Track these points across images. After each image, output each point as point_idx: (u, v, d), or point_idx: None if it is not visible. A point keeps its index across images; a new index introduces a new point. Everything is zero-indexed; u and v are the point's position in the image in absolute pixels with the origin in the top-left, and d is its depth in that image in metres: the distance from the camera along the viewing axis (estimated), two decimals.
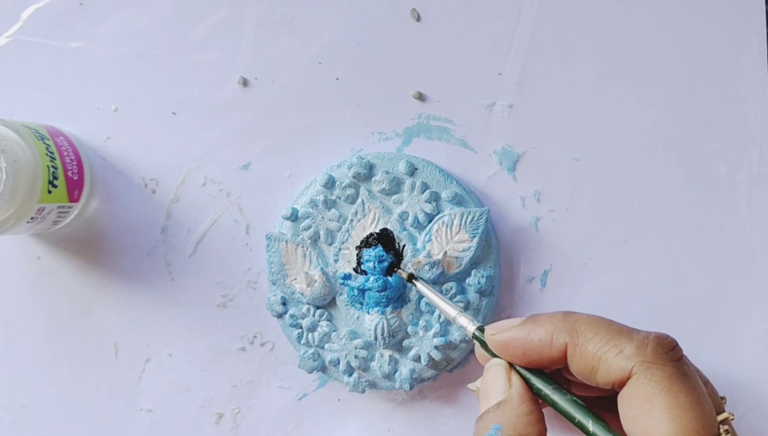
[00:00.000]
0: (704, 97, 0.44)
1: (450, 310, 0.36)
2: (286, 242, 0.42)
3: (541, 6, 0.44)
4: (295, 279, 0.42)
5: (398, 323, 0.42)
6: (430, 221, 0.42)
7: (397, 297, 0.41)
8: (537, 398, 0.32)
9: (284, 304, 0.43)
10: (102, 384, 0.45)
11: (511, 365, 0.33)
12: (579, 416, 0.31)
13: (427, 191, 0.42)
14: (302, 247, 0.42)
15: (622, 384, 0.30)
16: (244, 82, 0.44)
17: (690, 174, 0.44)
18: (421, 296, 0.42)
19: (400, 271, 0.41)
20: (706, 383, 0.33)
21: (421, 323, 0.42)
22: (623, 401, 0.30)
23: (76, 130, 0.44)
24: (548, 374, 0.33)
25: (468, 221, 0.41)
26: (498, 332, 0.33)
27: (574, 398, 0.31)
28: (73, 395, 0.45)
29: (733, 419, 0.32)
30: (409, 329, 0.42)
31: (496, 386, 0.33)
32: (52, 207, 0.40)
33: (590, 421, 0.30)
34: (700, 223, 0.44)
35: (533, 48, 0.44)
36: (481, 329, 0.34)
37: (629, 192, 0.44)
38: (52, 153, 0.40)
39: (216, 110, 0.44)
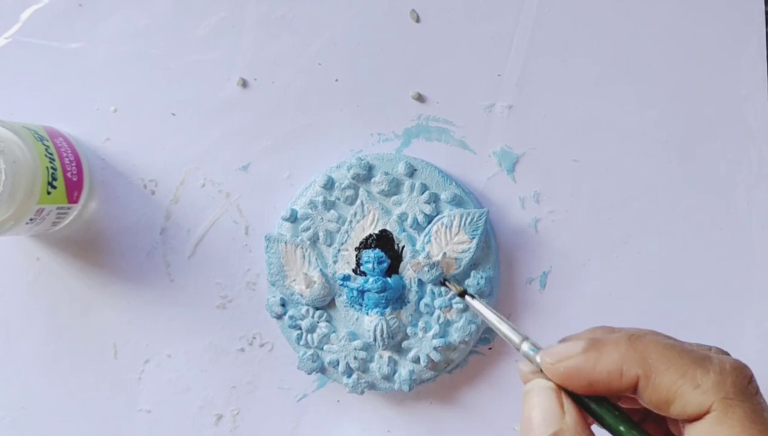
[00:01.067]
0: (704, 97, 0.44)
1: (513, 335, 0.33)
2: (286, 243, 0.42)
3: (541, 6, 0.44)
4: (294, 280, 0.42)
5: (397, 324, 0.42)
6: (429, 222, 0.42)
7: (396, 298, 0.41)
8: (589, 425, 0.30)
9: (283, 305, 0.43)
10: (102, 384, 0.45)
11: (561, 388, 0.30)
12: None
13: (427, 192, 0.42)
14: (301, 248, 0.42)
15: (697, 418, 0.28)
16: (244, 83, 0.44)
17: (690, 174, 0.44)
18: (420, 297, 0.42)
19: (448, 283, 0.41)
20: None
21: (421, 324, 0.42)
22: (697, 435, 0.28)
23: (75, 131, 0.44)
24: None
25: (467, 222, 0.41)
26: (558, 361, 0.30)
27: (632, 423, 0.29)
28: (73, 396, 0.45)
29: None
30: (409, 330, 0.42)
31: (547, 413, 0.30)
32: (52, 208, 0.40)
33: None
34: (700, 223, 0.44)
35: (533, 48, 0.44)
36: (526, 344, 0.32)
37: (629, 192, 0.44)
38: (51, 154, 0.40)
39: (216, 111, 0.44)
